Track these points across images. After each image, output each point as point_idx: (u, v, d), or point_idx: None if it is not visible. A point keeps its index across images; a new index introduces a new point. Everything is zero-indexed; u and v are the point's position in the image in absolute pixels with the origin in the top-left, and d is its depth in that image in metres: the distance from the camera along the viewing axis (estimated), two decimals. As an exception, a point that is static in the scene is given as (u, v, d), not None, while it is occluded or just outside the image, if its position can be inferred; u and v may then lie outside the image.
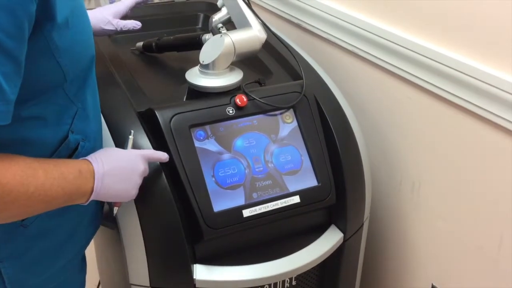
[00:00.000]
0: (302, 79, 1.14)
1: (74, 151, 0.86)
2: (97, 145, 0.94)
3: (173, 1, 1.72)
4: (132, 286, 1.01)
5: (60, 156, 0.84)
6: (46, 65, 0.75)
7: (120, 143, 0.99)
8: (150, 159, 0.94)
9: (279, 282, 1.09)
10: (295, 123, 1.10)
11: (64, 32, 0.75)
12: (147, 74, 1.30)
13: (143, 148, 0.98)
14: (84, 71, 0.85)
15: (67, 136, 0.84)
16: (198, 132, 1.03)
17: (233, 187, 1.02)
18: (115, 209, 0.94)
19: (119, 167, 0.86)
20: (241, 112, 1.06)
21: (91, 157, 0.85)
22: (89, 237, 1.01)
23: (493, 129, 1.02)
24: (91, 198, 0.82)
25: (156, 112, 1.01)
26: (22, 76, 0.69)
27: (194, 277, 1.01)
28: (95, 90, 0.93)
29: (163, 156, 0.95)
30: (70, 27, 0.76)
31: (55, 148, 0.83)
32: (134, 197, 0.91)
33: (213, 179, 1.01)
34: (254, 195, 1.03)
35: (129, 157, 0.89)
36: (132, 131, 0.97)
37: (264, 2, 1.66)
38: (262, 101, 1.07)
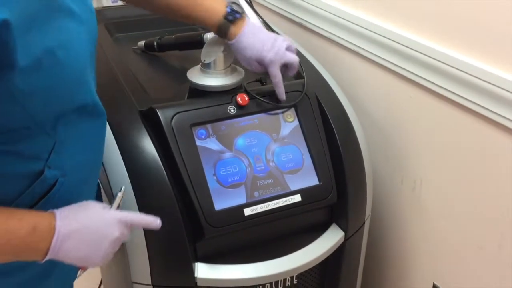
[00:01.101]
0: (304, 78, 1.14)
1: (51, 188, 0.77)
2: (90, 179, 0.85)
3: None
4: (134, 284, 1.01)
5: (35, 193, 0.76)
6: (8, 109, 0.67)
7: (122, 142, 0.99)
8: (135, 224, 0.83)
9: (280, 280, 1.09)
10: (296, 122, 1.10)
11: (33, 75, 0.66)
12: (149, 73, 1.30)
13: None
14: (68, 111, 0.76)
15: (42, 171, 0.75)
16: (199, 131, 1.03)
17: (234, 186, 1.02)
18: (79, 272, 0.84)
19: (86, 230, 0.75)
20: (242, 111, 1.06)
21: (60, 212, 0.75)
22: (73, 274, 0.89)
23: (495, 128, 1.02)
24: (47, 258, 0.73)
25: (158, 111, 1.01)
26: None
27: (196, 275, 1.01)
28: (88, 120, 0.81)
29: (153, 222, 0.83)
30: (44, 68, 0.67)
31: (29, 184, 0.75)
32: (100, 265, 0.80)
33: (215, 177, 1.01)
34: (256, 193, 1.03)
35: (103, 220, 0.78)
36: (123, 187, 0.88)
37: (266, 1, 1.66)
38: (264, 100, 1.07)
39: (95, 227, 0.77)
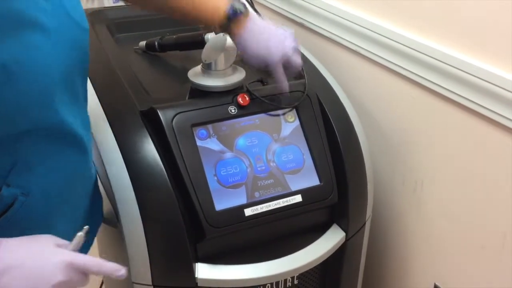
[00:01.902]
0: (305, 78, 1.14)
1: (9, 207, 0.72)
2: (67, 204, 0.81)
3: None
4: (134, 284, 1.01)
5: None
6: None
7: (123, 142, 0.99)
8: (90, 271, 0.72)
9: (281, 281, 1.09)
10: (297, 122, 1.10)
11: None
12: (150, 73, 1.30)
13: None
14: (31, 131, 0.70)
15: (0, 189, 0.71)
16: (200, 131, 1.03)
17: (235, 186, 1.02)
18: None
19: (26, 268, 0.67)
20: (243, 111, 1.06)
21: (7, 242, 0.68)
22: None
23: (497, 129, 1.02)
24: None
25: (158, 111, 1.01)
26: None
27: (196, 276, 1.01)
28: (58, 145, 0.76)
29: (116, 272, 0.72)
30: None
31: None
32: None
33: (215, 178, 1.01)
34: (256, 194, 1.03)
35: (49, 260, 0.69)
36: (86, 227, 0.78)
37: (267, 1, 1.66)
38: (266, 100, 1.07)
39: (37, 266, 0.68)
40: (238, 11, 0.98)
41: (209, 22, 1.00)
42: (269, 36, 1.00)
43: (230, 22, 0.97)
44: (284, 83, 1.05)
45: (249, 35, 0.98)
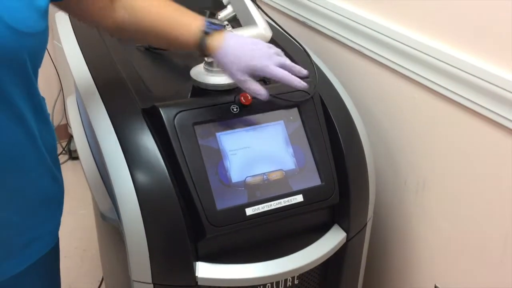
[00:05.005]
0: (315, 77, 1.14)
1: None
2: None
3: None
4: (134, 282, 1.01)
5: None
6: None
7: (124, 140, 0.99)
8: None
9: (281, 281, 1.09)
10: (299, 122, 1.10)
11: None
12: (152, 71, 1.30)
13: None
14: None
15: None
16: (202, 130, 1.02)
17: (236, 185, 1.02)
18: None
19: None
20: (245, 110, 1.06)
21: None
22: None
23: (498, 130, 1.02)
24: None
25: (160, 110, 1.00)
26: None
27: (196, 275, 1.01)
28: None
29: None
30: None
31: None
32: None
33: (217, 177, 1.01)
34: (257, 193, 1.03)
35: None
36: None
37: (271, 0, 1.65)
38: (268, 100, 1.06)
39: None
40: (216, 25, 0.96)
41: (185, 40, 0.96)
42: (252, 45, 0.97)
43: (207, 35, 0.95)
44: (292, 78, 0.97)
45: (231, 48, 0.95)
